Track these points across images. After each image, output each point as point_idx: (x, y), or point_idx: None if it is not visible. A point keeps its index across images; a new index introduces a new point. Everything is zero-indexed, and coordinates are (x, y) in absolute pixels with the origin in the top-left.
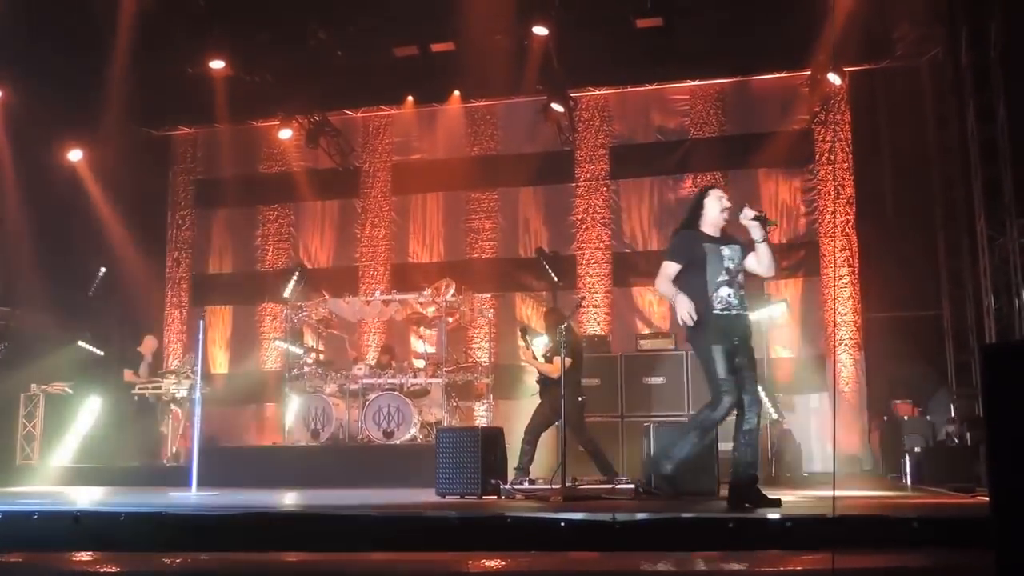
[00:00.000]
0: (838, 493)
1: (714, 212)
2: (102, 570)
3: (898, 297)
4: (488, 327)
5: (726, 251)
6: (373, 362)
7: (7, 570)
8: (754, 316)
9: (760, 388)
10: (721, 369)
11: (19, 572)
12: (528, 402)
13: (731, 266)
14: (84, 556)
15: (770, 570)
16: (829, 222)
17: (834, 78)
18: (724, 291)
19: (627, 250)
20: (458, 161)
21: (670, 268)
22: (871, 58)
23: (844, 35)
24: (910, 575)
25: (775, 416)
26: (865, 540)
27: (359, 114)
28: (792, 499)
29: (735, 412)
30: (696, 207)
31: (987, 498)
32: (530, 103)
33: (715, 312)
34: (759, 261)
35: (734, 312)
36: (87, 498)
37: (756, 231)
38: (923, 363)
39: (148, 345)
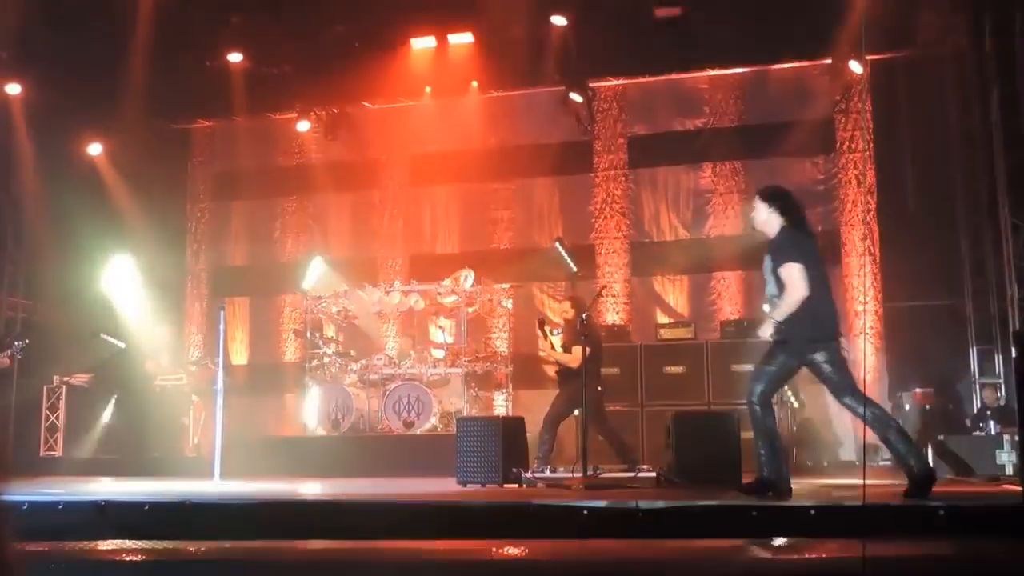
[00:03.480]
0: (862, 482)
1: None
2: (127, 558)
3: (920, 286)
4: (507, 317)
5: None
6: (393, 352)
7: (34, 559)
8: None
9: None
10: None
11: (46, 560)
12: (547, 392)
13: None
14: (109, 544)
15: (799, 557)
16: (850, 211)
17: (856, 66)
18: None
19: (646, 240)
20: (476, 152)
21: None
22: (893, 46)
23: (866, 23)
24: (938, 563)
25: (796, 405)
26: (892, 528)
27: (377, 106)
28: (814, 488)
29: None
30: None
31: (1013, 487)
32: (548, 94)
33: None
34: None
35: None
36: (111, 488)
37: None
38: (945, 352)
39: (166, 336)
